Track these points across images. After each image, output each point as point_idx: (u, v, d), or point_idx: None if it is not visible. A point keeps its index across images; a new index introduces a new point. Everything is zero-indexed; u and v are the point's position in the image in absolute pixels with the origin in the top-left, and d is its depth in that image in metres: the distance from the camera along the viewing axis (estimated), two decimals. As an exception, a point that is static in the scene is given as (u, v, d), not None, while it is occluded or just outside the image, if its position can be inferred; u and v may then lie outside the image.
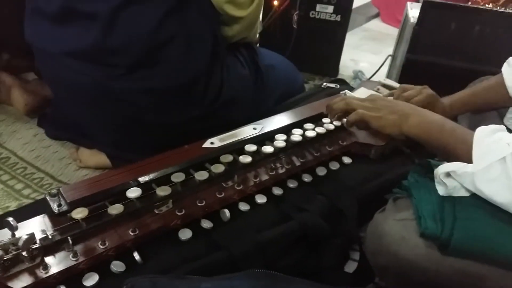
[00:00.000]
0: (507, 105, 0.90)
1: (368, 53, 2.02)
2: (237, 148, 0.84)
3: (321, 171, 0.87)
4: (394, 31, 1.63)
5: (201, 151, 0.82)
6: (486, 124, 0.66)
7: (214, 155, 0.81)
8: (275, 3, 1.60)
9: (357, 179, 0.88)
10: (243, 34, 1.09)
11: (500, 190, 0.57)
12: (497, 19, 1.20)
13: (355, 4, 1.69)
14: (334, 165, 0.89)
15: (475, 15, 1.21)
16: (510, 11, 1.23)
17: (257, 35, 1.32)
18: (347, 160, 0.91)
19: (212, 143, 0.84)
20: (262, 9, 1.20)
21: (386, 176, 0.90)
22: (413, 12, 1.34)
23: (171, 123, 1.00)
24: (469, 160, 0.61)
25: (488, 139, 0.60)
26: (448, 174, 0.63)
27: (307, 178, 0.85)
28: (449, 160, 0.67)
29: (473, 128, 0.66)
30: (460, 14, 1.22)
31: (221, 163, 0.79)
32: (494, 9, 1.28)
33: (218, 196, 0.75)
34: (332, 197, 0.82)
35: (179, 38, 0.93)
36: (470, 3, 1.59)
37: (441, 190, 0.64)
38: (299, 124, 0.93)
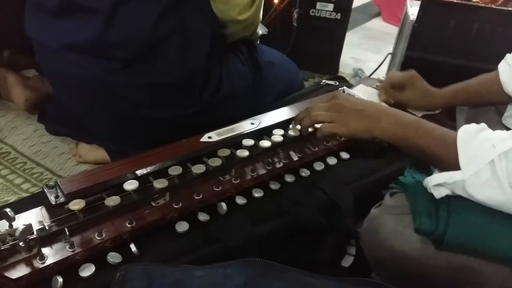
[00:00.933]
0: (498, 100, 0.90)
1: (368, 52, 2.02)
2: (235, 142, 0.84)
3: (318, 166, 0.87)
4: (395, 30, 1.63)
5: (199, 145, 0.83)
6: (484, 120, 0.65)
7: (212, 149, 0.82)
8: (275, 1, 1.60)
9: (355, 174, 0.88)
10: (243, 34, 1.09)
11: (491, 194, 0.56)
12: (496, 17, 1.19)
13: (356, 4, 1.68)
14: (332, 160, 0.90)
15: (474, 12, 1.21)
16: (509, 8, 1.23)
17: (258, 33, 1.32)
18: (344, 155, 0.92)
19: (209, 137, 0.84)
20: (261, 10, 1.19)
21: (383, 172, 0.90)
22: (413, 9, 1.33)
23: (169, 118, 1.00)
24: (451, 163, 0.59)
25: (473, 143, 0.59)
26: (438, 184, 0.62)
27: (304, 172, 0.85)
28: (428, 162, 0.66)
29: (469, 122, 0.65)
30: (459, 12, 1.22)
31: (218, 157, 0.80)
32: (493, 6, 1.28)
33: (215, 189, 0.76)
34: (329, 191, 0.82)
35: (178, 34, 0.93)
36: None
37: (436, 196, 0.63)
38: (297, 119, 0.93)
